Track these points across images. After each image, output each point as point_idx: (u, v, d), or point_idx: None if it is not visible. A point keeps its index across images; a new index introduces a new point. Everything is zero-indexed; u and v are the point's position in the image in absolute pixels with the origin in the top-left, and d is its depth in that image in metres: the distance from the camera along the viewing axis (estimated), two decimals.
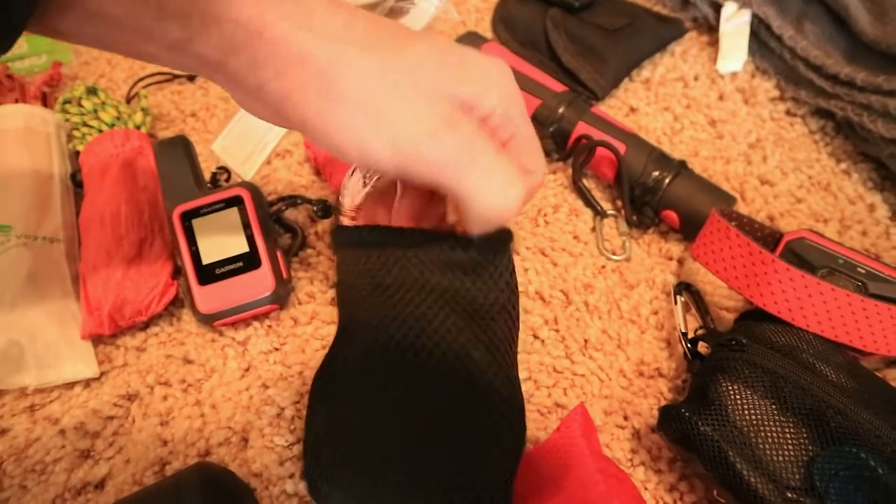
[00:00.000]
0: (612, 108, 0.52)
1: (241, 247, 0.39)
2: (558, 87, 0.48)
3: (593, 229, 0.45)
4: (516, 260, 0.43)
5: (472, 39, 0.52)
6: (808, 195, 0.46)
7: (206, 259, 0.38)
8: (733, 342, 0.33)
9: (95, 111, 0.46)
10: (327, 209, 0.42)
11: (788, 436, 0.30)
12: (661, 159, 0.43)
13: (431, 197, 0.33)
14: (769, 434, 0.30)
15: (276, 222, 0.43)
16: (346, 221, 0.33)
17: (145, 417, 0.37)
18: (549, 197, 0.46)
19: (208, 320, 0.38)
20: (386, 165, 0.25)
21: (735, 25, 0.53)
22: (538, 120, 0.47)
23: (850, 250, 0.36)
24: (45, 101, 0.49)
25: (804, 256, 0.37)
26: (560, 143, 0.47)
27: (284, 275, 0.40)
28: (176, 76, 0.54)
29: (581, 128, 0.45)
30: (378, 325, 0.28)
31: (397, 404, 0.27)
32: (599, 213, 0.45)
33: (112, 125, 0.46)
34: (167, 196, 0.41)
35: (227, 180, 0.45)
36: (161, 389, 0.38)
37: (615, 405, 0.37)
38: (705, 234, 0.38)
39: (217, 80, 0.27)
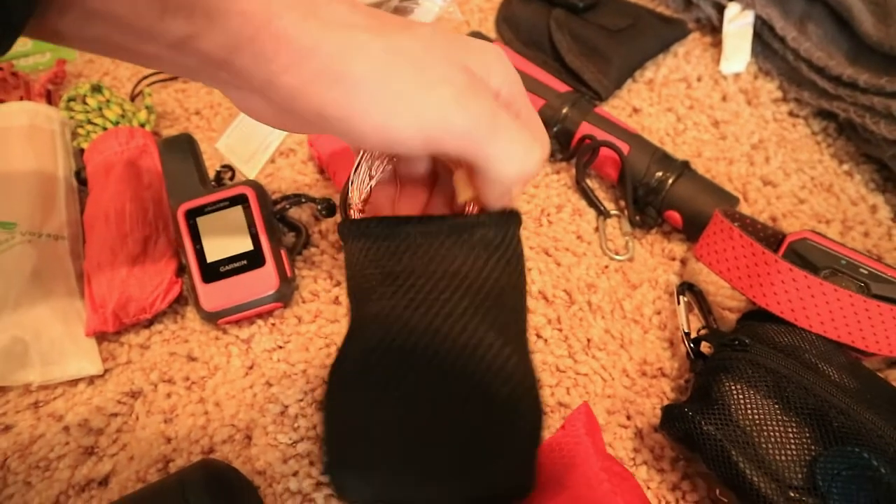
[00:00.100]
0: (616, 108, 0.52)
1: (246, 245, 0.39)
2: (562, 87, 0.48)
3: (596, 229, 0.45)
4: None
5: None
6: (811, 196, 0.46)
7: (211, 257, 0.39)
8: (736, 342, 0.33)
9: (100, 109, 0.46)
10: (331, 208, 0.42)
11: (791, 435, 0.30)
12: (665, 160, 0.44)
13: (433, 185, 0.33)
14: (772, 433, 0.30)
15: (279, 221, 0.43)
16: (353, 216, 0.33)
17: (149, 415, 0.37)
18: (553, 197, 0.46)
19: (212, 318, 0.38)
20: (413, 143, 0.25)
21: (738, 27, 0.53)
22: (542, 120, 0.47)
23: (852, 251, 0.36)
24: (50, 98, 0.49)
25: (807, 257, 0.37)
26: (563, 144, 0.47)
27: (288, 273, 0.40)
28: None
29: (584, 128, 0.46)
30: (390, 315, 0.28)
31: (414, 393, 0.27)
32: (603, 214, 0.45)
33: (116, 123, 0.46)
34: (171, 194, 0.41)
35: (232, 179, 0.46)
36: (165, 387, 0.38)
37: (618, 404, 0.37)
38: (708, 234, 0.38)
39: (219, 81, 0.26)
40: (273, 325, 0.40)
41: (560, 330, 0.40)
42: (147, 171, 0.44)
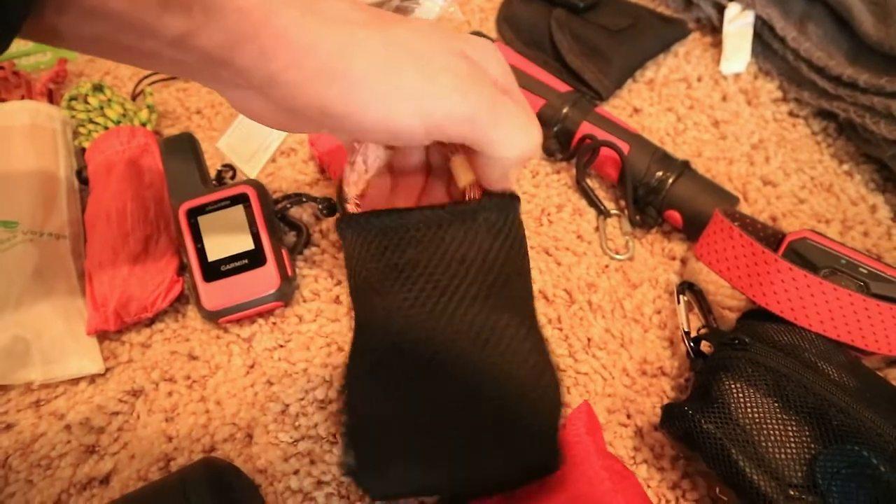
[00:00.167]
0: (616, 108, 0.52)
1: (247, 244, 0.39)
2: (562, 87, 0.48)
3: (597, 229, 0.45)
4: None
5: None
6: (811, 196, 0.47)
7: (212, 256, 0.39)
8: (736, 341, 0.33)
9: (101, 108, 0.47)
10: (332, 207, 0.43)
11: (791, 434, 0.30)
12: (665, 159, 0.44)
13: (427, 176, 0.33)
14: (771, 432, 0.30)
15: (280, 220, 0.43)
16: (350, 210, 0.33)
17: (150, 413, 0.37)
18: (553, 196, 0.46)
19: (213, 317, 0.38)
20: (416, 132, 0.25)
21: (738, 27, 0.53)
22: (542, 120, 0.47)
23: (852, 250, 0.37)
24: (52, 97, 0.50)
25: (806, 256, 0.37)
26: (564, 143, 0.47)
27: (289, 272, 0.40)
28: None
29: (585, 128, 0.46)
30: (402, 308, 0.28)
31: (437, 383, 0.27)
32: (603, 213, 0.45)
33: (118, 122, 0.46)
34: (173, 193, 0.41)
35: (233, 178, 0.46)
36: (166, 385, 0.38)
37: (618, 403, 0.37)
38: (708, 233, 0.38)
39: (219, 80, 0.26)
40: (274, 324, 0.40)
41: (560, 329, 0.40)
42: (148, 170, 0.44)
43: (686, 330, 0.37)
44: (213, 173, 0.45)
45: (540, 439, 0.26)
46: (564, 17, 0.54)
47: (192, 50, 0.24)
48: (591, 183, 0.47)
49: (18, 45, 0.56)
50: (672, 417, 0.33)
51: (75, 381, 0.38)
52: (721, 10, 0.54)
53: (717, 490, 0.32)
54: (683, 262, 0.43)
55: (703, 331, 0.38)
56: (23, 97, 0.48)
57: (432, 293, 0.27)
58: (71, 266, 0.41)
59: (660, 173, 0.43)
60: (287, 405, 0.37)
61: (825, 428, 0.30)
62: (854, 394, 0.31)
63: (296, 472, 0.35)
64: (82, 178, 0.45)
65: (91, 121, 0.46)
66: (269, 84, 0.25)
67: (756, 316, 0.36)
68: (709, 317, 0.39)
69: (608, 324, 0.40)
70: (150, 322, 0.40)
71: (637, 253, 0.44)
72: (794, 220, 0.45)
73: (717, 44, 0.55)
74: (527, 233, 0.44)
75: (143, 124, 0.47)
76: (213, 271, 0.38)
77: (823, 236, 0.38)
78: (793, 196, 0.46)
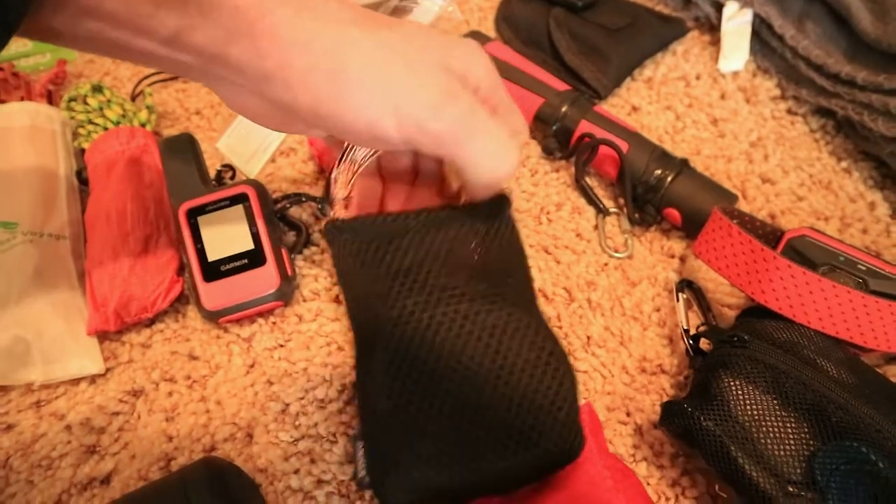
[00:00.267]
0: (615, 106, 0.52)
1: (247, 244, 0.39)
2: (561, 85, 0.48)
3: (596, 227, 0.45)
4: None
5: (475, 39, 0.52)
6: (809, 193, 0.47)
7: (212, 256, 0.39)
8: (735, 338, 0.33)
9: (101, 109, 0.47)
10: None
11: (790, 431, 0.30)
12: (663, 158, 0.44)
13: (416, 178, 0.34)
14: (771, 429, 0.30)
15: (280, 220, 0.43)
16: (338, 213, 0.33)
17: (151, 413, 0.37)
18: (552, 195, 0.46)
19: (213, 317, 0.38)
20: (394, 140, 0.26)
21: (736, 25, 0.53)
22: (541, 118, 0.47)
23: (850, 247, 0.37)
24: (51, 98, 0.50)
25: (805, 254, 0.37)
26: (563, 142, 0.47)
27: (289, 272, 0.40)
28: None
29: (584, 126, 0.46)
30: (412, 315, 0.28)
31: (456, 387, 0.27)
32: (602, 211, 0.45)
33: (117, 123, 0.46)
34: (173, 193, 0.41)
35: (232, 178, 0.46)
36: (166, 385, 0.38)
37: (618, 401, 0.37)
38: (707, 231, 0.38)
39: (213, 77, 0.26)
40: (274, 323, 0.40)
41: (560, 328, 0.40)
42: (148, 170, 0.44)
43: (685, 327, 0.38)
44: (212, 173, 0.45)
45: (562, 426, 0.26)
46: (563, 15, 0.54)
47: (186, 47, 0.24)
48: (590, 181, 0.47)
49: (18, 47, 0.56)
50: (671, 415, 0.33)
51: (76, 382, 0.38)
52: (719, 8, 0.54)
53: (717, 487, 0.32)
54: (682, 259, 0.43)
55: (702, 328, 0.38)
56: (22, 98, 0.48)
57: (438, 296, 0.28)
58: (71, 266, 0.41)
59: (658, 171, 0.43)
60: (287, 404, 0.37)
61: (824, 424, 0.30)
62: (853, 390, 0.31)
63: (296, 472, 0.35)
64: (82, 178, 0.45)
65: (90, 121, 0.46)
66: (262, 81, 0.25)
67: (755, 313, 0.36)
68: (708, 314, 0.39)
69: (607, 322, 0.40)
70: (151, 322, 0.40)
71: (636, 251, 0.44)
72: (792, 217, 0.45)
73: (716, 42, 0.55)
74: (526, 231, 0.44)
75: (143, 125, 0.47)
76: (213, 271, 0.38)
77: (822, 233, 0.38)
78: (791, 193, 0.47)
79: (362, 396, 0.29)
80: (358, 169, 0.32)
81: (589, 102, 0.47)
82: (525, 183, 0.47)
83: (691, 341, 0.37)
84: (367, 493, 0.34)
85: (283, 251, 0.40)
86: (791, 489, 0.28)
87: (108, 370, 0.39)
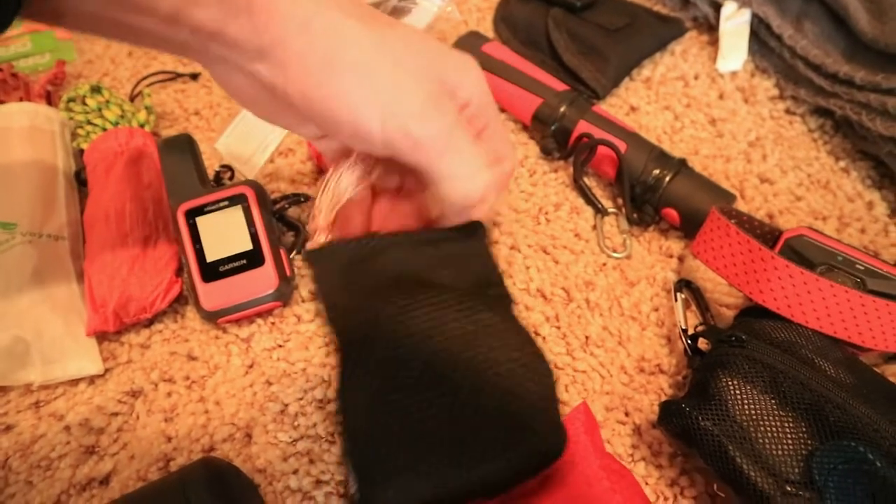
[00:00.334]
0: (613, 106, 0.52)
1: (245, 244, 0.39)
2: (560, 86, 0.48)
3: (594, 227, 0.45)
4: (518, 257, 0.43)
5: (473, 39, 0.52)
6: (808, 193, 0.47)
7: (210, 257, 0.39)
8: (733, 338, 0.33)
9: (99, 109, 0.47)
10: None
11: (788, 430, 0.30)
12: (662, 158, 0.44)
13: (402, 198, 0.34)
14: (769, 429, 0.30)
15: (279, 220, 0.43)
16: (320, 239, 0.34)
17: (150, 414, 0.37)
18: (551, 195, 0.47)
19: (212, 317, 0.38)
20: (376, 140, 0.26)
21: (735, 25, 0.53)
22: (540, 119, 0.47)
23: (848, 247, 0.37)
24: (50, 99, 0.50)
25: (803, 253, 0.37)
26: (561, 142, 0.47)
27: (288, 272, 0.40)
28: (179, 75, 0.54)
29: (582, 126, 0.46)
30: (387, 323, 0.28)
31: (429, 392, 0.27)
32: (600, 211, 0.45)
33: (116, 123, 0.46)
34: (171, 194, 0.41)
35: (231, 178, 0.46)
36: (165, 386, 0.38)
37: (616, 401, 0.37)
38: (705, 231, 0.38)
39: (208, 55, 0.26)
40: (273, 324, 0.40)
41: (558, 327, 0.40)
42: (147, 171, 0.44)
43: (683, 327, 0.38)
44: (211, 174, 0.45)
45: (543, 424, 0.26)
46: (561, 16, 0.54)
47: (186, 25, 0.24)
48: (589, 181, 0.47)
49: (17, 47, 0.56)
50: (670, 415, 0.33)
51: (75, 382, 0.38)
52: (718, 8, 0.54)
53: (715, 487, 0.32)
54: (681, 259, 0.43)
55: (700, 328, 0.38)
56: (21, 99, 0.48)
57: (413, 309, 0.28)
58: (70, 267, 0.41)
59: (657, 171, 0.43)
60: (286, 405, 0.37)
61: (822, 424, 0.30)
62: (851, 390, 0.31)
63: (295, 472, 0.35)
64: (81, 179, 0.45)
65: (89, 122, 0.46)
66: (258, 58, 0.25)
67: (753, 313, 0.36)
68: (706, 314, 0.39)
69: (606, 322, 0.41)
70: (149, 323, 0.40)
71: (634, 251, 0.44)
72: (790, 217, 0.45)
73: (714, 42, 0.55)
74: (524, 231, 0.44)
75: (142, 125, 0.47)
76: (212, 272, 0.38)
77: (820, 233, 0.38)
78: (790, 193, 0.47)
79: (344, 413, 0.29)
80: (341, 198, 0.33)
81: (587, 102, 0.47)
82: (523, 183, 0.47)
83: (689, 341, 0.37)
84: None
85: (282, 251, 0.40)
86: (789, 489, 0.28)
87: (107, 371, 0.39)
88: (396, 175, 0.34)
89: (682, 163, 0.44)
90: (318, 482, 0.34)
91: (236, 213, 0.40)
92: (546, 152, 0.48)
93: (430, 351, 0.27)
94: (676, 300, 0.39)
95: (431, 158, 0.27)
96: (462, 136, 0.27)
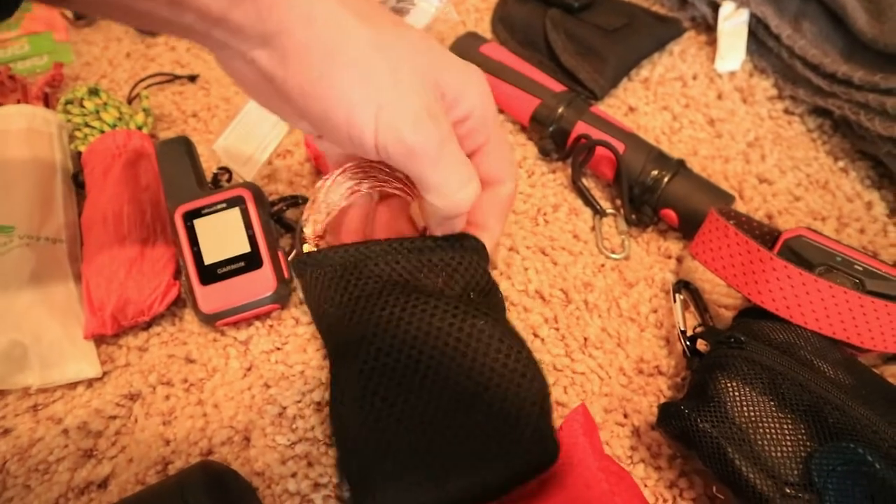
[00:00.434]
0: (611, 107, 0.52)
1: (243, 247, 0.39)
2: (557, 86, 0.48)
3: (593, 228, 0.45)
4: (516, 259, 0.43)
5: (471, 40, 0.52)
6: (807, 193, 0.47)
7: (208, 259, 0.39)
8: (732, 339, 0.33)
9: (97, 112, 0.47)
10: None
11: (787, 432, 0.30)
12: (660, 158, 0.44)
13: (398, 210, 0.35)
14: (767, 430, 0.30)
15: (277, 222, 0.43)
16: (308, 249, 0.34)
17: (148, 417, 0.37)
18: (549, 196, 0.46)
19: (210, 320, 0.38)
20: (368, 142, 0.26)
21: (733, 25, 0.53)
22: (537, 120, 0.47)
23: (847, 248, 0.37)
24: (47, 101, 0.50)
25: (802, 254, 0.37)
26: (559, 143, 0.47)
27: (286, 275, 0.40)
28: (177, 77, 0.54)
29: (580, 127, 0.46)
30: (373, 334, 0.28)
31: (419, 400, 0.27)
32: (599, 212, 0.45)
33: (114, 126, 0.46)
34: (169, 196, 0.41)
35: (229, 180, 0.46)
36: (163, 389, 0.38)
37: (615, 403, 0.37)
38: (704, 232, 0.38)
39: (212, 40, 0.26)
40: (271, 326, 0.40)
41: (557, 329, 0.40)
42: (144, 173, 0.44)
43: (682, 329, 0.38)
44: (209, 176, 0.45)
45: (533, 434, 0.26)
46: (559, 16, 0.54)
47: (190, 8, 0.24)
48: (587, 182, 0.47)
49: (14, 49, 0.56)
50: (668, 416, 0.33)
51: (73, 386, 0.38)
52: (716, 8, 0.54)
53: (714, 489, 0.32)
54: (679, 260, 0.43)
55: (699, 329, 0.38)
56: (19, 101, 0.48)
57: (403, 313, 0.28)
58: (68, 270, 0.41)
59: (655, 172, 0.43)
60: (284, 408, 0.37)
61: (821, 426, 0.30)
62: (849, 391, 0.31)
63: (293, 475, 0.35)
64: (78, 181, 0.45)
65: (87, 124, 0.46)
66: (261, 46, 0.25)
67: (752, 314, 0.36)
68: (705, 315, 0.39)
69: (605, 323, 0.40)
70: (147, 326, 0.40)
71: (633, 252, 0.44)
72: (789, 217, 0.45)
73: (712, 42, 0.55)
74: (523, 233, 0.44)
75: (139, 128, 0.47)
76: (210, 274, 0.38)
77: (819, 234, 0.38)
78: (788, 193, 0.47)
79: (335, 423, 0.29)
80: (331, 209, 0.33)
81: (585, 103, 0.47)
82: (522, 184, 0.47)
83: (688, 342, 0.37)
84: None
85: (280, 254, 0.40)
86: (788, 490, 0.28)
87: (105, 374, 0.39)
88: (394, 182, 0.34)
89: (681, 163, 0.44)
90: (317, 485, 0.34)
91: (234, 215, 0.40)
92: (544, 153, 0.48)
93: (419, 359, 0.27)
94: (675, 301, 0.39)
95: (423, 167, 0.27)
96: (453, 148, 0.27)
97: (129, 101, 0.52)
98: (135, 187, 0.43)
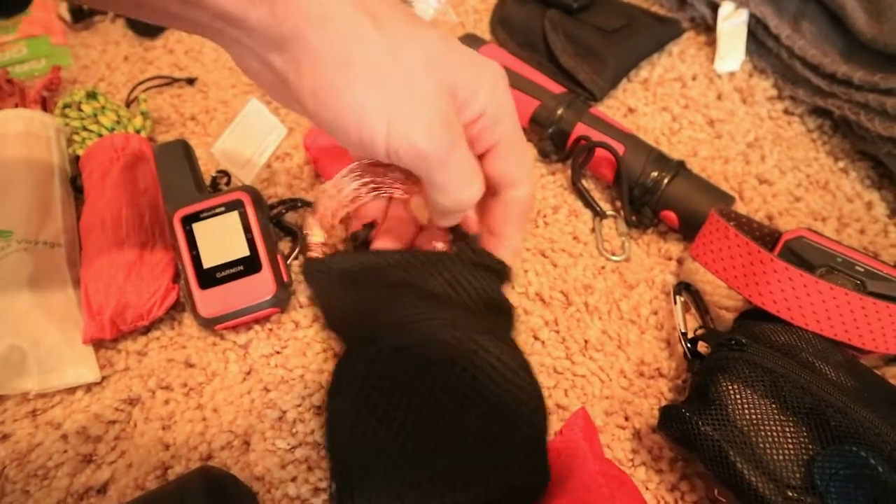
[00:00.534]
0: (611, 108, 0.52)
1: (242, 250, 0.39)
2: (557, 88, 0.48)
3: (593, 230, 0.45)
4: (516, 261, 0.43)
5: (470, 41, 0.52)
6: (807, 194, 0.46)
7: (207, 263, 0.39)
8: (733, 342, 0.33)
9: (95, 115, 0.46)
10: None
11: (788, 435, 0.30)
12: (660, 160, 0.44)
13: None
14: (769, 433, 0.30)
15: (276, 225, 0.43)
16: (316, 255, 0.34)
17: (147, 421, 0.37)
18: (549, 198, 0.46)
19: (209, 324, 0.38)
20: (379, 146, 0.26)
21: (732, 25, 0.53)
22: (537, 121, 0.47)
23: (848, 248, 0.37)
24: (45, 105, 0.49)
25: (803, 255, 0.37)
26: (559, 145, 0.47)
27: (285, 278, 0.40)
28: (175, 80, 0.54)
29: (580, 129, 0.46)
30: (382, 332, 0.28)
31: (416, 413, 0.27)
32: (599, 214, 0.45)
33: (112, 129, 0.46)
34: (168, 200, 0.41)
35: (228, 184, 0.45)
36: (163, 393, 0.38)
37: (616, 405, 0.37)
38: (704, 233, 0.38)
39: (226, 37, 0.26)
40: (270, 330, 0.40)
41: (557, 331, 0.40)
42: (143, 177, 0.44)
43: (683, 331, 0.37)
44: (207, 179, 0.44)
45: (528, 460, 0.26)
46: (558, 17, 0.54)
47: (206, 7, 0.24)
48: (587, 184, 0.47)
49: (12, 53, 0.56)
50: (669, 420, 0.32)
51: (72, 391, 0.38)
52: (715, 8, 0.54)
53: (716, 492, 0.32)
54: (680, 262, 0.43)
55: (699, 331, 0.37)
56: (16, 105, 0.48)
57: (408, 322, 0.28)
58: (66, 274, 0.40)
59: (655, 174, 0.43)
60: (284, 412, 0.37)
61: (823, 428, 0.29)
62: (852, 393, 0.30)
63: (293, 479, 0.35)
64: (77, 185, 0.45)
65: (85, 128, 0.46)
66: (275, 48, 0.25)
67: (753, 316, 0.36)
68: (706, 317, 0.39)
69: (605, 325, 0.40)
70: (147, 330, 0.40)
71: (633, 254, 0.44)
72: (790, 218, 0.45)
73: (712, 42, 0.55)
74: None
75: (138, 131, 0.47)
76: (209, 278, 0.38)
77: (820, 235, 0.37)
78: (789, 194, 0.46)
79: (328, 416, 0.29)
80: (335, 214, 0.33)
81: (585, 105, 0.47)
82: None
83: (689, 344, 0.37)
84: None
85: (279, 257, 0.40)
86: (790, 494, 0.28)
87: (104, 378, 0.38)
88: (397, 184, 0.34)
89: (681, 165, 0.43)
90: (317, 489, 0.34)
91: (233, 218, 0.40)
92: (544, 155, 0.48)
93: (420, 368, 0.27)
94: (676, 303, 0.39)
95: (431, 168, 0.27)
96: (462, 150, 0.28)
97: (128, 105, 0.52)
98: (133, 191, 0.42)
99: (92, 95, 0.47)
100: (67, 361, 0.37)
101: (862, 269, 0.36)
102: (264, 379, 0.38)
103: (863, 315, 0.33)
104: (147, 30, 0.58)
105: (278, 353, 0.39)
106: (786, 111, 0.51)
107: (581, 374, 0.38)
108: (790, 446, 0.29)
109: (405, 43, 0.26)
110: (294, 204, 0.43)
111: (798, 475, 0.29)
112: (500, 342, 0.28)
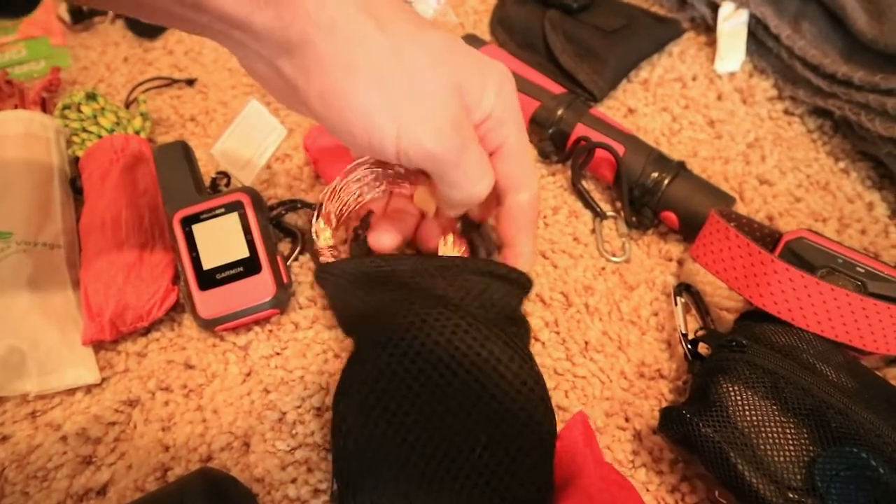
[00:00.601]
0: (611, 109, 0.52)
1: (242, 252, 0.39)
2: (557, 88, 0.48)
3: (593, 231, 0.45)
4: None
5: (470, 42, 0.52)
6: (807, 194, 0.46)
7: (207, 264, 0.38)
8: (733, 343, 0.33)
9: (95, 116, 0.46)
10: None
11: (789, 436, 0.30)
12: (660, 160, 0.44)
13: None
14: (770, 435, 0.30)
15: (276, 227, 0.43)
16: (325, 259, 0.34)
17: (147, 423, 0.37)
18: (549, 199, 0.46)
19: (209, 325, 0.38)
20: (389, 149, 0.26)
21: (732, 25, 0.53)
22: (537, 122, 0.47)
23: (849, 249, 0.36)
24: (45, 106, 0.49)
25: (803, 256, 0.37)
26: (559, 145, 0.47)
27: (285, 279, 0.40)
28: (175, 81, 0.54)
29: (580, 129, 0.46)
30: (394, 335, 0.28)
31: (426, 421, 0.27)
32: (599, 215, 0.45)
33: (111, 130, 0.46)
34: (167, 201, 0.41)
35: (227, 185, 0.45)
36: (162, 395, 0.38)
37: (616, 407, 0.37)
38: (704, 234, 0.38)
39: (231, 39, 0.26)
40: (270, 331, 0.40)
41: (557, 333, 0.40)
42: (142, 178, 0.44)
43: (683, 332, 0.37)
44: (207, 180, 0.44)
45: (533, 471, 0.26)
46: (558, 18, 0.54)
47: (209, 10, 0.24)
48: (587, 185, 0.47)
49: (11, 54, 0.56)
50: (670, 421, 0.32)
51: (71, 392, 0.38)
52: (715, 8, 0.54)
53: (717, 493, 0.32)
54: (680, 263, 0.43)
55: (700, 333, 0.37)
56: (16, 106, 0.48)
57: (420, 326, 0.28)
58: (66, 276, 0.40)
59: (655, 174, 0.43)
60: (284, 413, 0.37)
61: (824, 430, 0.29)
62: (852, 395, 0.30)
63: (293, 481, 0.34)
64: (76, 186, 0.45)
65: (84, 129, 0.46)
66: (283, 53, 0.25)
67: (753, 317, 0.36)
68: (706, 318, 0.39)
69: (605, 326, 0.40)
70: (146, 331, 0.40)
71: (634, 255, 0.44)
72: (790, 219, 0.45)
73: (712, 43, 0.55)
74: None
75: (137, 132, 0.47)
76: (209, 280, 0.38)
77: (820, 235, 0.37)
78: (789, 195, 0.46)
79: (335, 418, 0.29)
80: (341, 217, 0.33)
81: (585, 105, 0.47)
82: None
83: (690, 346, 0.37)
84: None
85: (279, 258, 0.40)
86: (791, 495, 0.28)
87: (103, 380, 0.38)
88: (401, 181, 0.34)
89: (681, 165, 0.43)
90: (317, 491, 0.34)
91: (233, 220, 0.40)
92: (544, 156, 0.48)
93: (431, 373, 0.27)
94: (676, 304, 0.39)
95: (443, 169, 0.27)
96: (474, 148, 0.28)
97: (127, 106, 0.52)
98: (133, 192, 0.42)
99: (91, 96, 0.47)
100: (67, 363, 0.37)
101: (863, 270, 0.36)
102: (264, 380, 0.38)
103: (864, 316, 0.33)
104: (146, 31, 0.58)
105: (278, 354, 0.39)
106: (786, 111, 0.51)
107: (581, 375, 0.38)
108: (791, 448, 0.29)
109: (408, 43, 0.26)
110: (294, 205, 0.43)
111: (799, 476, 0.29)
112: (510, 350, 0.28)
